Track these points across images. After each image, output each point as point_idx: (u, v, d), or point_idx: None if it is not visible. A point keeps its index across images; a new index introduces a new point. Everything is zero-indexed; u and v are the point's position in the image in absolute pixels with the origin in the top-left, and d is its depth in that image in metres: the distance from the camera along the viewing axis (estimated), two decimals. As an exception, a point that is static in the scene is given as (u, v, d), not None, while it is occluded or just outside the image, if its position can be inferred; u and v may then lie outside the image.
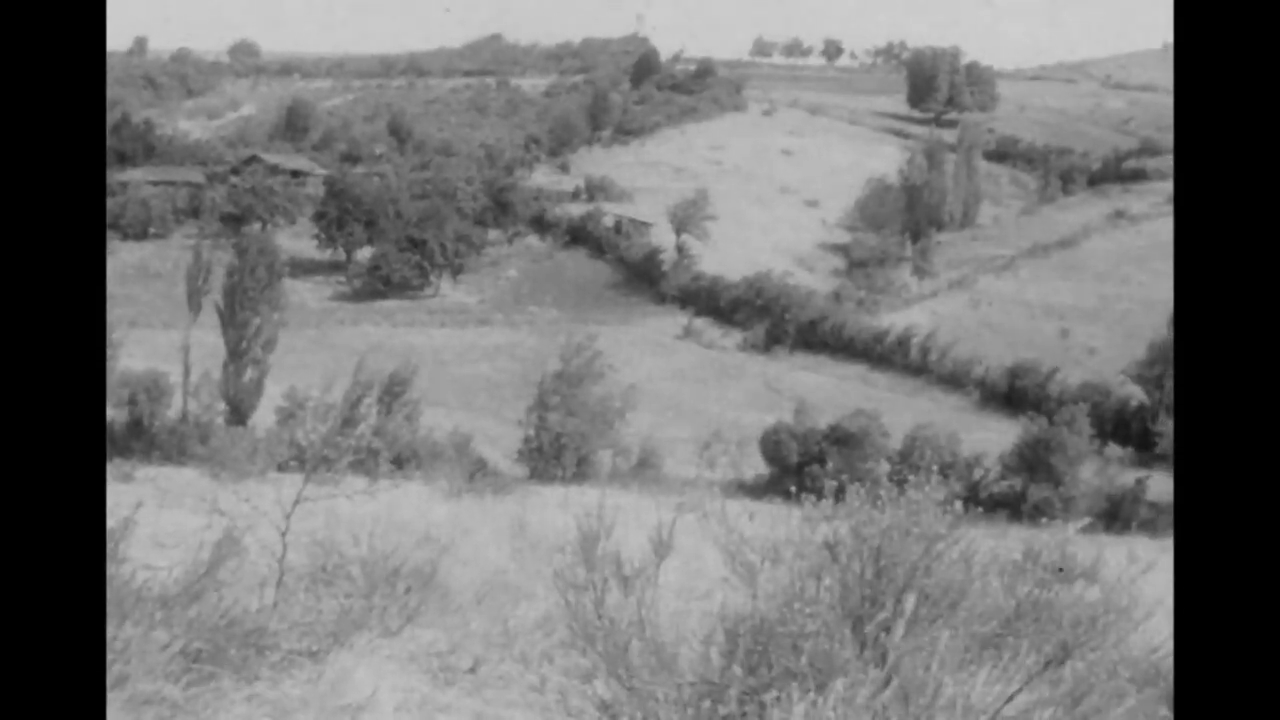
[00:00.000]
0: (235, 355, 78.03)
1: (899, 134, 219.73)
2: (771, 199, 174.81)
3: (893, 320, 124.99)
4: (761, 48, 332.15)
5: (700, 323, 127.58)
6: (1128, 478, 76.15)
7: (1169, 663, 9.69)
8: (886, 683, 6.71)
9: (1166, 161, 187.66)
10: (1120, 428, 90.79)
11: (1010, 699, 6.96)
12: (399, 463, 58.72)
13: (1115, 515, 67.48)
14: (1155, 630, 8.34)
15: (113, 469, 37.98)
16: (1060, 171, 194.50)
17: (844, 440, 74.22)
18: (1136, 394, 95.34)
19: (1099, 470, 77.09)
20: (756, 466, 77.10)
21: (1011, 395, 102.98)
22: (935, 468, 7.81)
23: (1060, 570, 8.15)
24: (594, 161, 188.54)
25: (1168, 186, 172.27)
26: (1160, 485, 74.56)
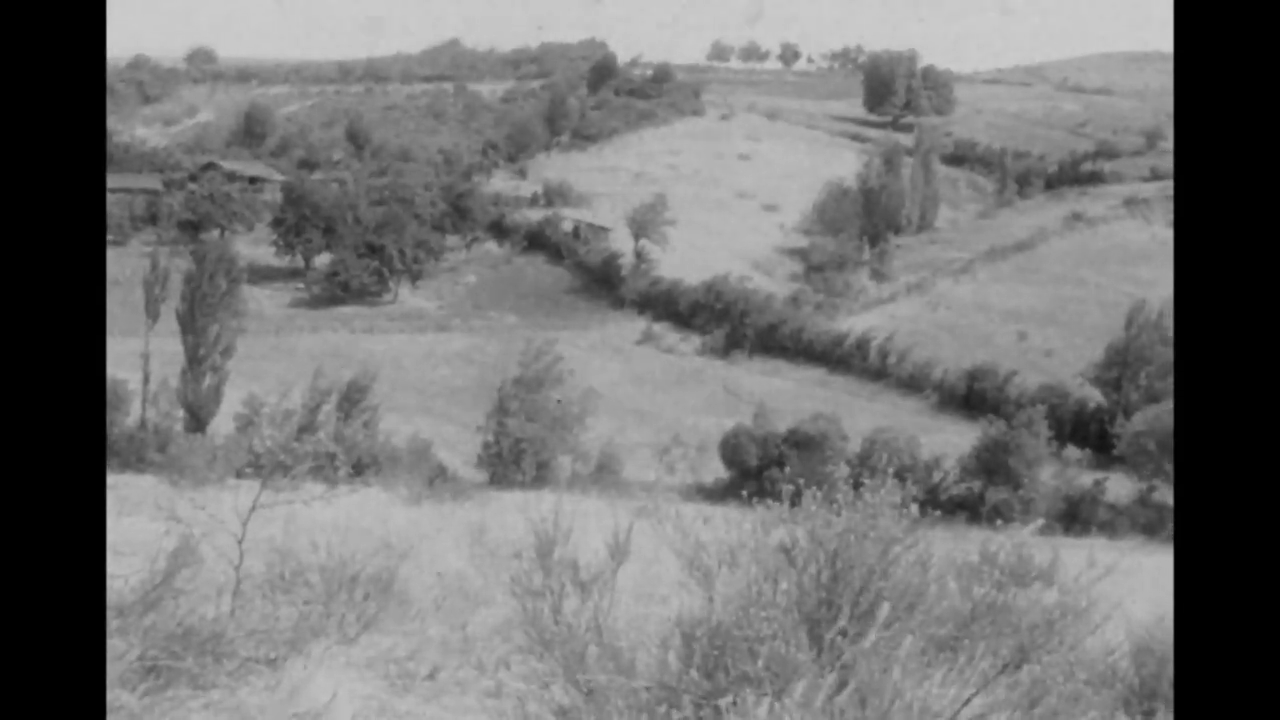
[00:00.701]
0: (194, 362, 77.90)
1: (856, 138, 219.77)
2: (729, 203, 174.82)
3: (851, 324, 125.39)
4: (719, 52, 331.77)
5: (659, 327, 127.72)
6: (1086, 479, 76.68)
7: (1126, 665, 9.75)
8: (843, 686, 6.71)
9: (1122, 164, 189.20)
10: (1078, 430, 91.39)
11: (967, 702, 6.97)
12: (358, 469, 58.58)
13: (1074, 517, 67.93)
14: (1112, 633, 8.38)
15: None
16: (1017, 175, 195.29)
17: (803, 444, 74.46)
18: (1094, 396, 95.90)
19: (1057, 472, 77.61)
20: (716, 470, 77.36)
21: (970, 398, 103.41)
22: (892, 471, 7.78)
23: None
24: (552, 167, 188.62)
25: (1124, 189, 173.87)
26: (1118, 487, 75.17)
